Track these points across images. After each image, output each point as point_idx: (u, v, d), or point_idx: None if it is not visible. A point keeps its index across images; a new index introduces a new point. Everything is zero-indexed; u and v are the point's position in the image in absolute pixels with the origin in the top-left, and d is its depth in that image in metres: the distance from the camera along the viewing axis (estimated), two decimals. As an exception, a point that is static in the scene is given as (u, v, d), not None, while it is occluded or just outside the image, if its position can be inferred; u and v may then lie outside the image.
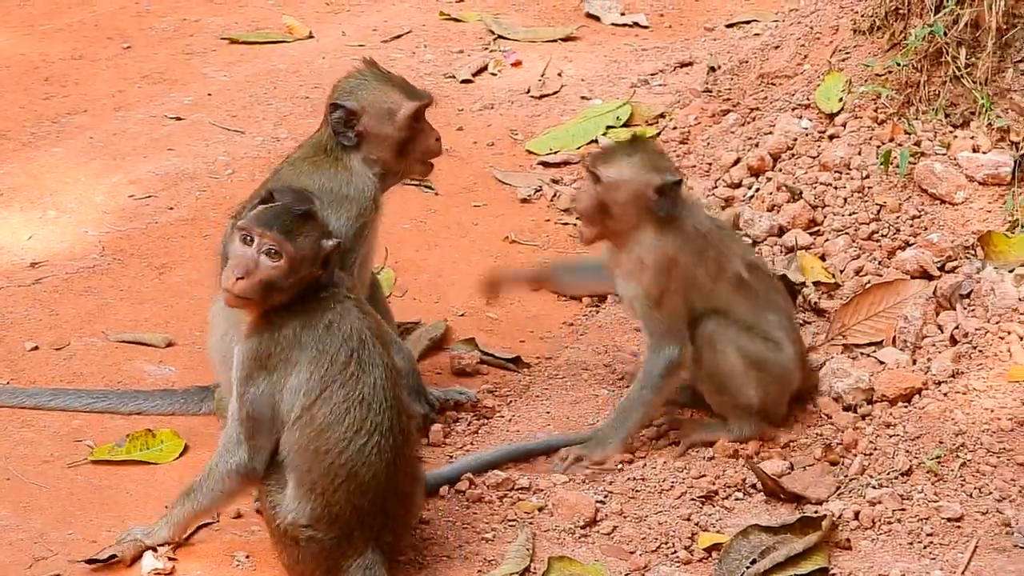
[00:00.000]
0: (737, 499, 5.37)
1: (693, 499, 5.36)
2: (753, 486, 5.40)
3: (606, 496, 5.35)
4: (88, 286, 6.41)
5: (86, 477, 5.31)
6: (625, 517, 5.27)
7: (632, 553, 5.15)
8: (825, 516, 5.00)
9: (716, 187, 6.74)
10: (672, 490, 5.37)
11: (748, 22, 8.69)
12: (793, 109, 6.88)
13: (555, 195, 7.22)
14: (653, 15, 8.89)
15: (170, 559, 4.96)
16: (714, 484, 5.39)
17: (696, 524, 5.27)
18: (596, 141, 7.63)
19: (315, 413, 4.84)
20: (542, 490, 5.34)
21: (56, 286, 6.39)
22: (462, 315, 6.35)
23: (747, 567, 4.90)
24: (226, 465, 4.91)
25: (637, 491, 5.37)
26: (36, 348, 6.05)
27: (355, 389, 4.83)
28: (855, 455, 5.46)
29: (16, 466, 5.26)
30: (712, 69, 7.78)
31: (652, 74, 8.20)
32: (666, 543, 5.20)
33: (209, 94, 7.97)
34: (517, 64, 8.49)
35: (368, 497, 4.82)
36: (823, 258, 6.18)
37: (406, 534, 5.03)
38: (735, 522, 5.26)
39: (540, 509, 5.25)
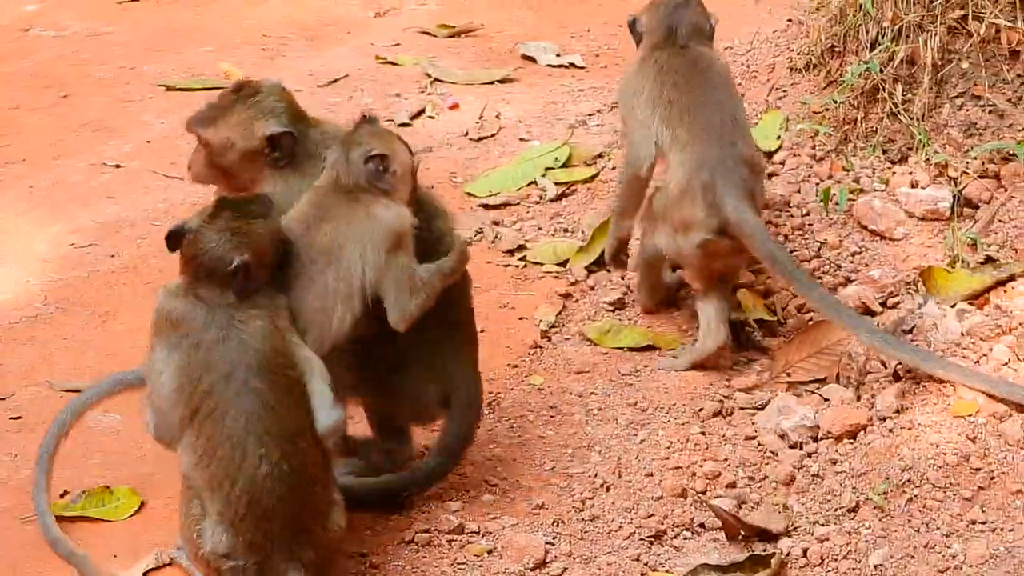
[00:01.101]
0: (686, 538, 5.39)
1: (642, 539, 5.38)
2: (701, 525, 5.43)
3: (555, 537, 5.35)
4: (31, 336, 6.39)
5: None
6: (574, 558, 5.29)
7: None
8: (774, 554, 5.01)
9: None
10: (621, 530, 5.38)
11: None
12: (735, 141, 6.91)
13: (496, 237, 7.19)
14: (589, 55, 8.92)
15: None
16: (662, 524, 5.41)
17: (645, 564, 5.29)
18: (535, 183, 7.62)
19: (193, 441, 4.82)
20: (491, 533, 5.31)
21: (2, 336, 6.35)
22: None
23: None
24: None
25: (586, 532, 5.38)
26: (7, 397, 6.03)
27: (221, 425, 4.80)
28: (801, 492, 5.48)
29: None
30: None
31: (590, 114, 8.21)
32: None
33: (148, 141, 7.96)
34: (455, 107, 8.50)
35: (277, 522, 4.79)
36: (766, 295, 6.17)
37: (329, 549, 5.00)
38: (684, 561, 5.29)
39: (489, 552, 5.21)
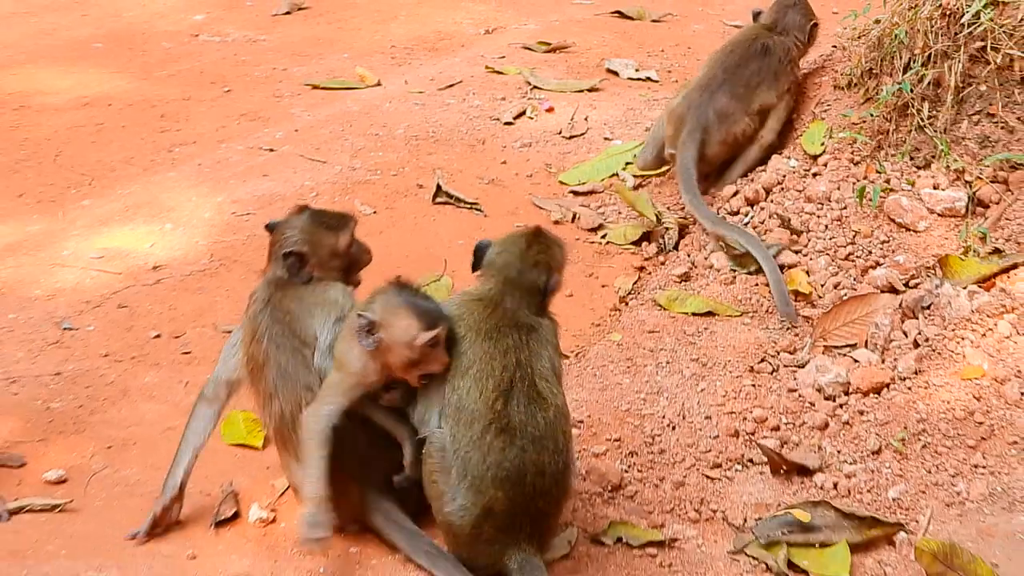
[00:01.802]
0: (736, 471, 5.45)
1: (700, 470, 5.41)
2: (750, 460, 5.48)
3: (629, 466, 5.40)
4: (200, 286, 6.50)
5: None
6: (644, 483, 5.33)
7: (650, 513, 5.20)
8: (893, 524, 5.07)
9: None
10: (683, 462, 5.45)
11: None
12: (783, 151, 6.93)
13: (574, 217, 7.28)
14: (663, 71, 8.94)
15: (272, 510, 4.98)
16: (718, 458, 5.47)
17: (703, 490, 5.32)
18: (617, 175, 7.70)
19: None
20: (578, 460, 5.33)
21: (174, 286, 6.46)
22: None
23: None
24: None
25: (654, 462, 5.43)
26: (158, 336, 6.13)
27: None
28: (833, 437, 5.53)
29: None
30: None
31: (660, 117, 8.20)
32: (679, 505, 5.25)
33: (296, 130, 8.03)
34: (550, 110, 8.53)
35: (523, 496, 4.54)
36: (808, 273, 6.21)
37: (555, 530, 4.84)
38: (735, 490, 5.34)
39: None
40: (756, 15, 7.48)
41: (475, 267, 4.91)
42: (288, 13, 9.68)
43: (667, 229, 6.93)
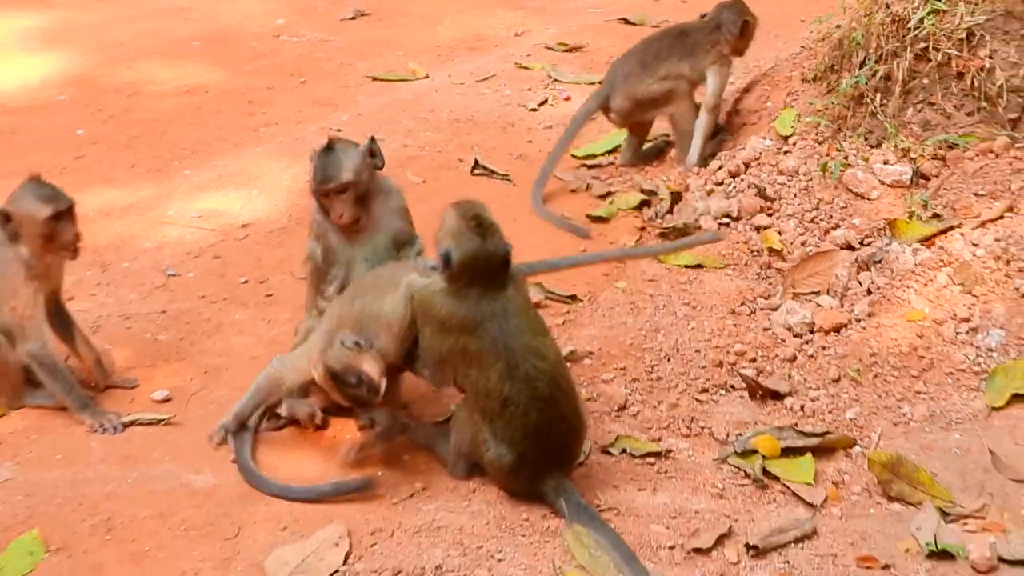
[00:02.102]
0: (721, 395, 5.46)
1: (691, 394, 5.40)
2: (732, 386, 5.48)
3: (632, 390, 5.39)
4: (280, 240, 6.49)
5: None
6: (645, 404, 5.33)
7: (649, 429, 5.20)
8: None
9: (706, 184, 6.74)
10: (677, 387, 5.46)
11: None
12: (761, 133, 6.89)
13: (587, 187, 7.33)
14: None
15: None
16: (705, 384, 5.50)
17: (693, 410, 5.31)
18: (617, 148, 7.73)
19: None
20: (590, 385, 5.37)
21: (259, 240, 6.47)
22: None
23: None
24: None
25: (653, 387, 5.44)
26: (246, 281, 6.12)
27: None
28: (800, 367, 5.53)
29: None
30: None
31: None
32: (673, 423, 5.24)
33: (359, 114, 8.02)
34: (568, 99, 8.48)
35: (549, 443, 4.56)
36: (780, 233, 6.19)
37: (579, 456, 4.86)
38: (720, 410, 5.34)
39: (587, 399, 5.26)
40: (702, 16, 7.46)
41: (445, 270, 4.59)
42: (353, 18, 9.66)
43: (661, 199, 6.86)
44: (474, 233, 4.55)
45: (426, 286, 4.66)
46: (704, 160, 7.21)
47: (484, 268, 4.59)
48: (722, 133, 7.44)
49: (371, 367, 4.49)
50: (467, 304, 4.58)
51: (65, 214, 4.99)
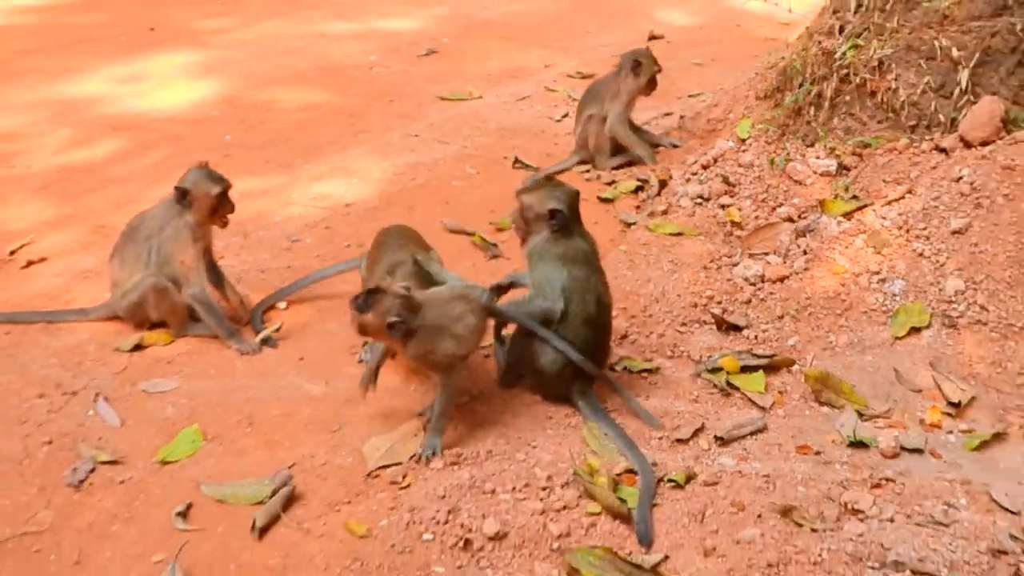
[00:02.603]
0: (696, 328, 5.37)
1: (674, 327, 5.35)
2: (704, 321, 5.40)
3: (630, 324, 5.34)
4: (374, 216, 6.41)
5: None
6: (640, 334, 5.30)
7: (643, 352, 5.17)
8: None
9: (684, 174, 6.66)
10: (663, 322, 5.38)
11: (700, 94, 8.57)
12: (724, 137, 6.81)
13: (598, 176, 7.27)
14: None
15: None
16: (684, 320, 5.41)
17: (675, 339, 5.26)
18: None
19: None
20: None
21: (358, 215, 6.42)
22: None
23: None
24: None
25: (645, 322, 5.39)
26: (348, 245, 6.07)
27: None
28: (754, 307, 5.45)
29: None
30: (682, 117, 7.69)
31: (652, 119, 8.09)
32: (661, 348, 5.19)
33: (431, 124, 7.97)
34: (583, 113, 8.45)
35: (594, 342, 4.64)
36: (739, 210, 6.12)
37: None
38: (695, 339, 5.27)
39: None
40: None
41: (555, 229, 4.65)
42: (427, 55, 9.57)
43: (651, 185, 6.80)
44: (563, 193, 4.70)
45: (539, 241, 4.71)
46: (608, 168, 7.31)
47: (574, 215, 4.74)
48: (629, 153, 7.38)
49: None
50: (572, 242, 4.70)
51: (227, 192, 5.05)
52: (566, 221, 4.64)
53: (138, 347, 5.01)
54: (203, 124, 7.70)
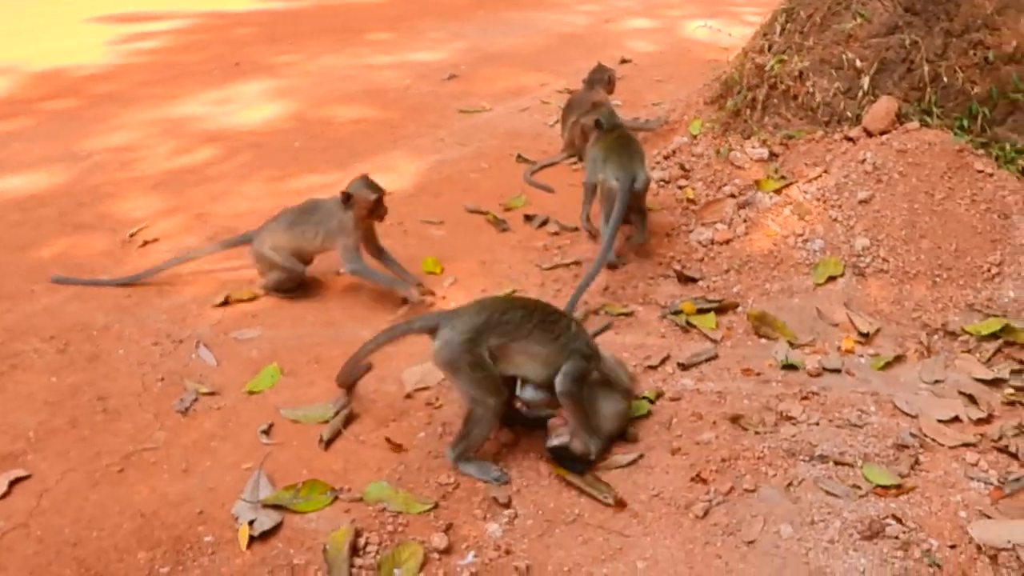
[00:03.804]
0: (661, 280, 5.25)
1: (644, 281, 5.22)
2: (668, 276, 5.27)
3: (611, 279, 5.22)
4: (410, 202, 6.28)
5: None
6: (619, 286, 5.14)
7: (620, 300, 5.06)
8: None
9: (650, 163, 6.48)
10: (637, 277, 5.22)
11: (661, 103, 8.40)
12: (680, 134, 6.65)
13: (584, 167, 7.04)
14: (621, 97, 8.54)
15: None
16: (652, 275, 5.26)
17: (646, 289, 5.15)
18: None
19: None
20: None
21: (397, 201, 6.18)
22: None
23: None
24: None
25: (623, 278, 5.22)
26: (390, 224, 5.90)
27: None
28: (707, 263, 5.33)
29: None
30: (647, 120, 7.52)
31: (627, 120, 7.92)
32: (634, 297, 5.09)
33: (453, 131, 7.80)
34: (571, 120, 8.28)
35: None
36: (692, 190, 5.97)
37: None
38: (660, 289, 5.17)
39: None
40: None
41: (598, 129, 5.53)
42: (449, 79, 9.37)
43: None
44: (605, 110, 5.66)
45: (592, 144, 5.56)
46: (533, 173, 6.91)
47: (612, 121, 5.60)
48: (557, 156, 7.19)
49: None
50: (610, 137, 5.38)
51: (381, 199, 4.90)
52: (603, 125, 5.55)
53: (225, 302, 4.92)
54: (278, 135, 7.57)
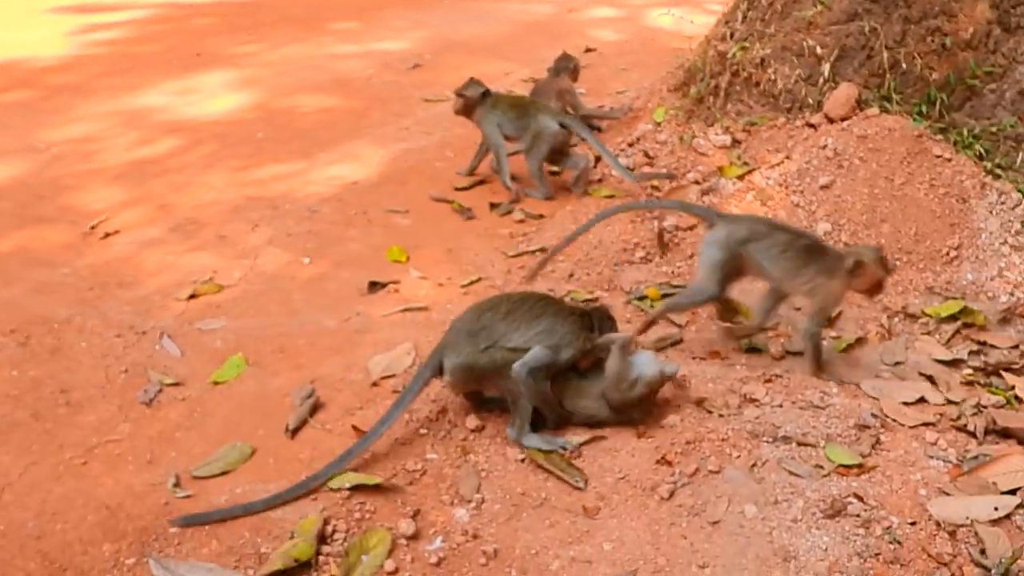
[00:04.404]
0: (626, 266, 5.28)
1: (609, 266, 5.24)
2: (632, 261, 5.29)
3: (577, 265, 5.24)
4: (375, 191, 6.27)
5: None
6: (586, 273, 5.17)
7: (587, 286, 5.07)
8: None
9: (614, 151, 6.49)
10: (601, 262, 5.26)
11: (626, 90, 8.40)
12: (644, 122, 6.68)
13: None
14: (586, 85, 8.52)
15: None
16: (617, 260, 5.29)
17: (611, 275, 5.17)
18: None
19: None
20: (548, 264, 5.11)
21: (362, 191, 6.23)
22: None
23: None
24: None
25: (589, 264, 5.25)
26: (355, 213, 5.89)
27: None
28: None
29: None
30: (612, 108, 7.53)
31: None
32: (600, 282, 5.13)
33: (418, 120, 7.76)
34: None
35: None
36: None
37: None
38: (625, 275, 5.22)
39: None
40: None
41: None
42: (413, 68, 9.31)
43: (589, 160, 6.56)
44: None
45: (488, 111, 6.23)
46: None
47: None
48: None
49: None
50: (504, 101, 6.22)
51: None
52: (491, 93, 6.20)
53: (193, 296, 4.88)
54: (241, 125, 7.50)
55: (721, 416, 3.81)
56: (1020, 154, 5.43)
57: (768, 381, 4.10)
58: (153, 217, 5.79)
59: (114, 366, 4.24)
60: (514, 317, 3.62)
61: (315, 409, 3.93)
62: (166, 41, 10.23)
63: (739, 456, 3.56)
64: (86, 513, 3.32)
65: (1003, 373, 4.25)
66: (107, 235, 5.54)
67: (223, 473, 3.56)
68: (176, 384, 4.12)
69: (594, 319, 3.78)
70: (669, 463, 3.55)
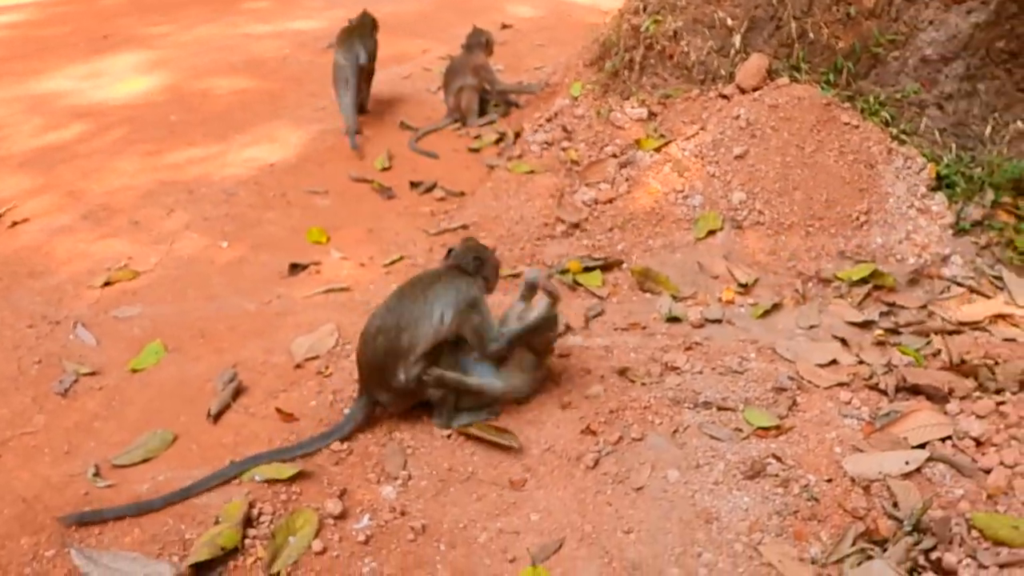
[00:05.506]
0: (548, 241, 5.30)
1: (532, 242, 5.25)
2: (554, 236, 5.31)
3: (499, 240, 5.24)
4: (293, 173, 6.17)
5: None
6: (508, 249, 5.17)
7: (509, 262, 5.06)
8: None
9: (533, 126, 6.51)
10: (523, 238, 5.27)
11: (543, 66, 8.40)
12: (561, 96, 6.67)
13: (468, 132, 6.99)
14: (503, 61, 8.51)
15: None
16: (539, 235, 5.30)
17: (533, 250, 5.17)
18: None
19: None
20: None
21: (280, 172, 6.13)
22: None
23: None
24: None
25: (511, 240, 5.26)
26: (273, 195, 5.81)
27: None
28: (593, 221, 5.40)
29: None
30: (529, 83, 7.51)
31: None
32: (523, 258, 5.11)
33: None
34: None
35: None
36: (575, 151, 6.01)
37: None
38: (548, 249, 5.23)
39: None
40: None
41: None
42: (329, 47, 9.05)
43: (508, 136, 6.66)
44: None
45: None
46: (476, 125, 7.08)
47: None
48: (489, 114, 7.26)
49: None
50: None
51: None
52: None
53: (107, 283, 4.76)
54: (152, 108, 7.32)
55: (643, 385, 3.87)
56: (924, 119, 5.57)
57: (688, 349, 4.18)
58: (63, 204, 5.63)
59: (27, 357, 4.13)
60: (408, 319, 3.49)
61: (238, 393, 3.87)
62: (71, 23, 9.94)
63: (661, 423, 3.63)
64: (2, 507, 3.23)
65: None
66: (15, 224, 5.37)
67: (144, 461, 3.50)
68: (93, 373, 4.03)
69: (464, 263, 3.72)
70: (593, 432, 3.59)
